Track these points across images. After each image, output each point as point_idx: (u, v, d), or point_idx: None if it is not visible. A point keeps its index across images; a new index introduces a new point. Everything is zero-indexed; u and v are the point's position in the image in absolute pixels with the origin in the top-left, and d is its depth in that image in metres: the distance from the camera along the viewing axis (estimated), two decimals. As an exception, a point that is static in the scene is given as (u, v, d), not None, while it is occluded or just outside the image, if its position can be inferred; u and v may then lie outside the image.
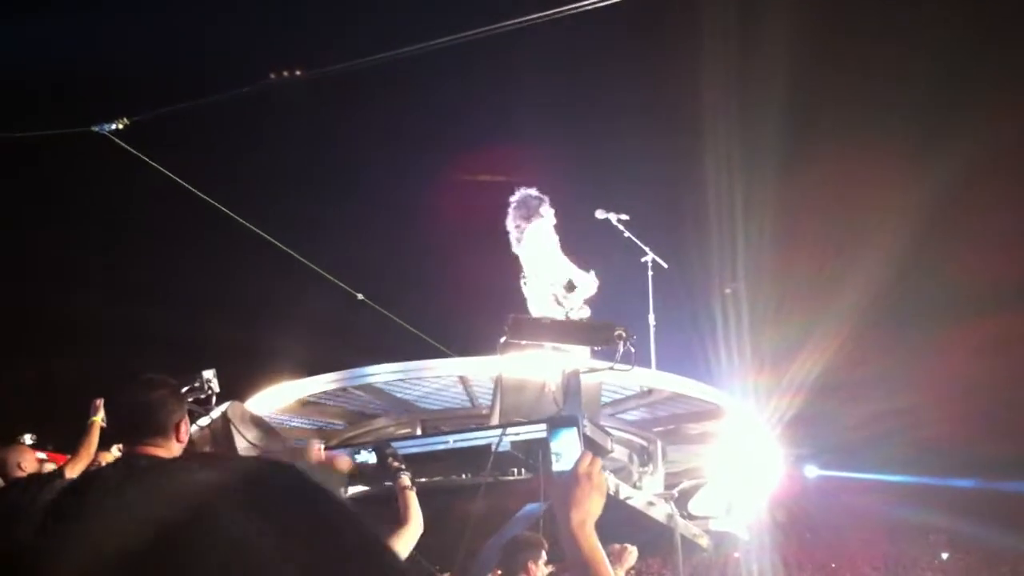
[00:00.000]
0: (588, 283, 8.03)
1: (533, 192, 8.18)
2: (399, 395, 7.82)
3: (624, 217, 8.19)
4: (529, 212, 8.07)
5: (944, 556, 16.42)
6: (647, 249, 8.18)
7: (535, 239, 8.06)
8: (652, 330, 8.07)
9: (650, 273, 8.15)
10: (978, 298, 11.75)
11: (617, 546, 5.86)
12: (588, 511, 2.07)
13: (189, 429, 3.87)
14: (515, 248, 8.12)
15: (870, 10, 11.49)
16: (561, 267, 8.03)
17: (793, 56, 10.97)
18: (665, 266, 8.17)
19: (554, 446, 2.05)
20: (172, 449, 3.71)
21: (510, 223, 8.13)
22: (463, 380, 7.53)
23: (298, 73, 8.43)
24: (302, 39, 10.26)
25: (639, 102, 12.05)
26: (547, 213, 8.11)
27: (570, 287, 7.86)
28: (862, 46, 11.57)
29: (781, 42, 10.79)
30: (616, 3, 6.81)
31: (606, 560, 2.04)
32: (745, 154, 11.69)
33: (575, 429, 1.99)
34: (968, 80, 11.11)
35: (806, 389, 11.80)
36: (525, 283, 8.08)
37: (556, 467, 2.18)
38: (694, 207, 11.55)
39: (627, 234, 8.18)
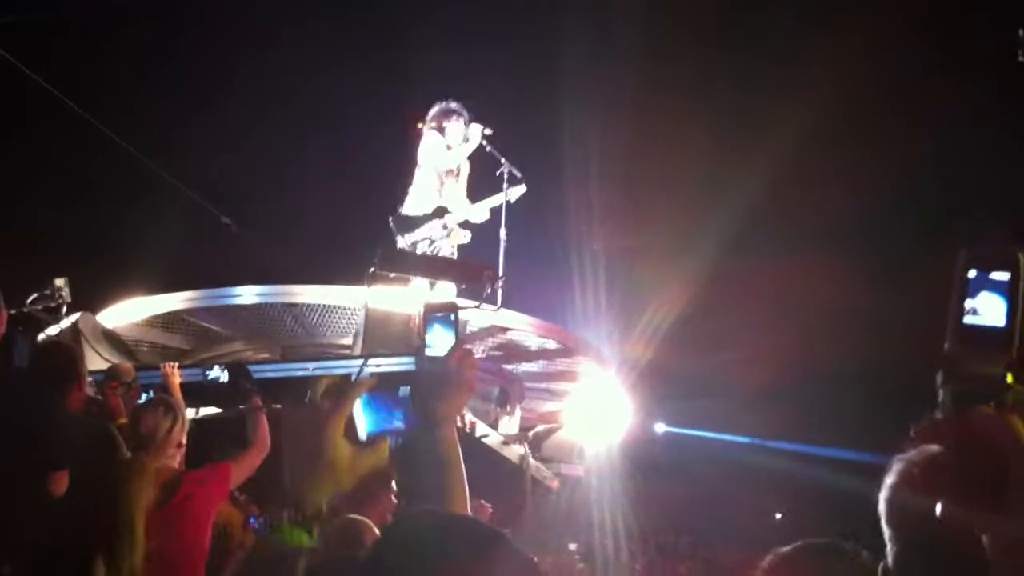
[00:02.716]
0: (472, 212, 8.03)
1: (447, 105, 8.13)
2: (261, 319, 7.68)
3: (488, 132, 8.15)
4: (432, 123, 8.07)
5: (778, 516, 17.21)
6: (503, 160, 8.14)
7: (423, 150, 8.04)
8: (503, 244, 8.02)
9: (505, 186, 8.12)
10: (822, 249, 12.20)
11: (474, 503, 5.88)
12: (453, 406, 2.00)
13: None
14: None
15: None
16: (433, 191, 8.00)
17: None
18: (519, 175, 8.12)
19: (429, 337, 1.93)
20: None
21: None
22: (328, 308, 7.45)
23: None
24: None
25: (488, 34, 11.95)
26: (452, 129, 8.06)
27: (440, 218, 7.85)
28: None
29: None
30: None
31: (461, 459, 1.96)
32: (602, 99, 11.82)
33: (453, 318, 1.90)
34: (818, 29, 11.44)
35: (657, 342, 12.12)
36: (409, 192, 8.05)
37: (428, 352, 2.03)
38: (553, 156, 11.62)
39: (488, 147, 8.15)
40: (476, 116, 8.28)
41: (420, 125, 8.11)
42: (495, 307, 6.78)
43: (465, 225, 8.07)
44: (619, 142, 12.08)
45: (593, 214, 12.10)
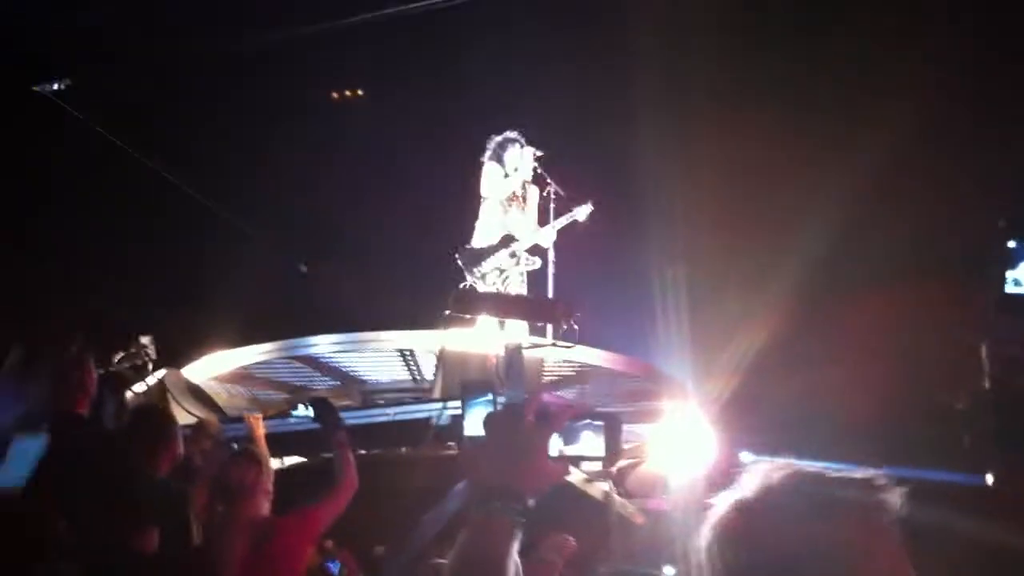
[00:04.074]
0: (539, 237, 8.07)
1: (505, 135, 8.22)
2: (339, 367, 7.76)
3: (539, 153, 8.20)
4: (490, 154, 8.17)
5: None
6: (549, 180, 8.17)
7: (485, 183, 8.14)
8: (551, 268, 8.02)
9: (552, 206, 8.16)
10: (910, 275, 11.88)
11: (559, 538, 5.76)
12: (534, 480, 1.80)
13: None
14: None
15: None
16: (500, 220, 8.07)
17: (722, 32, 11.11)
18: (563, 194, 8.13)
19: (468, 419, 1.80)
20: None
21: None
22: (405, 353, 7.50)
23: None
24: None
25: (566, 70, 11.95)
26: (510, 157, 8.15)
27: (508, 253, 7.91)
28: (792, 23, 11.65)
29: (711, 20, 10.93)
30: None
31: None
32: (682, 122, 11.76)
33: (490, 397, 1.81)
34: (898, 55, 11.22)
35: (743, 370, 11.92)
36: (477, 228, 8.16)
37: (468, 432, 1.88)
38: (631, 182, 11.57)
39: (540, 170, 8.18)
40: (540, 141, 8.33)
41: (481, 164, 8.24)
42: (571, 344, 6.74)
43: (535, 251, 8.09)
44: (700, 166, 12.00)
45: (674, 240, 12.00)
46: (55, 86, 8.14)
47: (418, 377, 7.72)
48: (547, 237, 8.09)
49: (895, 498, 1.37)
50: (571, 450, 1.80)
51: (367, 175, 11.96)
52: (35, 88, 7.99)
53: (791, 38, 11.65)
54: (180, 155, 9.75)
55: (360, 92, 11.37)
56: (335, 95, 11.40)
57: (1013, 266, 1.26)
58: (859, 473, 1.50)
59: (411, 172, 11.35)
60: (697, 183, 12.01)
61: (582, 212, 8.09)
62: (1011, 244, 1.25)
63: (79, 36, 9.85)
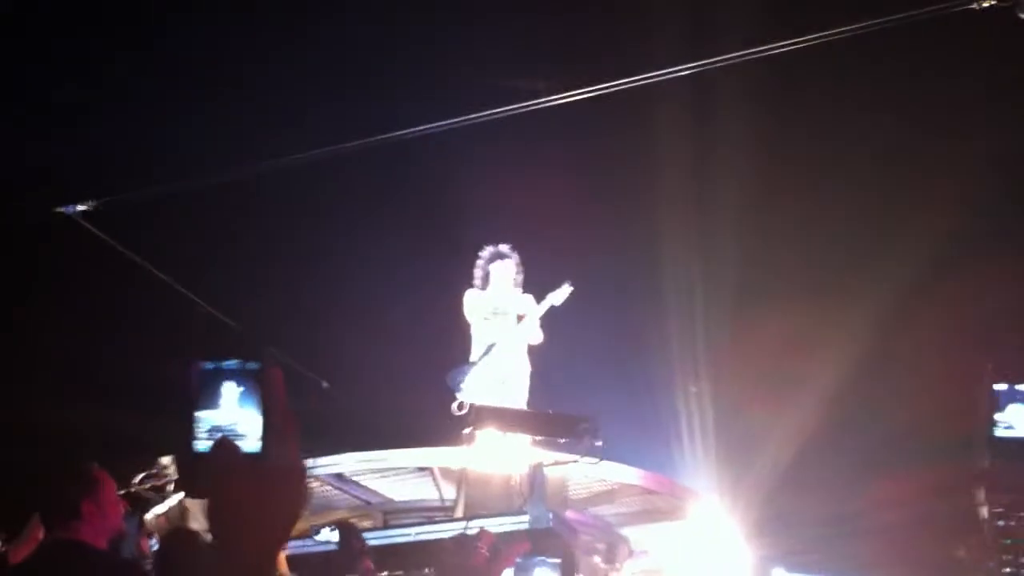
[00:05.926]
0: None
1: (489, 252, 8.22)
2: (360, 486, 7.66)
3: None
4: (479, 272, 8.16)
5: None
6: (518, 284, 8.21)
7: (466, 307, 8.11)
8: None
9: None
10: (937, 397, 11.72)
11: None
12: None
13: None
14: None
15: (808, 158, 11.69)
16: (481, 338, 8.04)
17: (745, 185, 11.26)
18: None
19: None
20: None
21: None
22: (427, 471, 7.39)
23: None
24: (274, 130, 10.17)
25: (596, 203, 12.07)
26: (497, 274, 8.12)
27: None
28: (806, 177, 11.74)
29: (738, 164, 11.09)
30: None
31: None
32: (704, 239, 11.83)
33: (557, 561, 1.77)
34: (910, 208, 11.29)
35: (771, 488, 11.70)
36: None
37: None
38: (655, 296, 11.57)
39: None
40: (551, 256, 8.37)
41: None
42: (596, 460, 6.62)
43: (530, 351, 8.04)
44: (723, 277, 12.01)
45: (697, 354, 11.92)
46: (80, 208, 8.16)
47: (441, 496, 7.60)
48: (532, 334, 8.01)
49: None
50: None
51: (381, 293, 12.02)
52: (58, 210, 7.99)
53: (815, 142, 11.76)
54: (193, 273, 9.85)
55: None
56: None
57: (1001, 409, 1.26)
58: None
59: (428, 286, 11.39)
60: (719, 297, 12.00)
61: (558, 296, 8.00)
62: (997, 387, 1.25)
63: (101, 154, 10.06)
